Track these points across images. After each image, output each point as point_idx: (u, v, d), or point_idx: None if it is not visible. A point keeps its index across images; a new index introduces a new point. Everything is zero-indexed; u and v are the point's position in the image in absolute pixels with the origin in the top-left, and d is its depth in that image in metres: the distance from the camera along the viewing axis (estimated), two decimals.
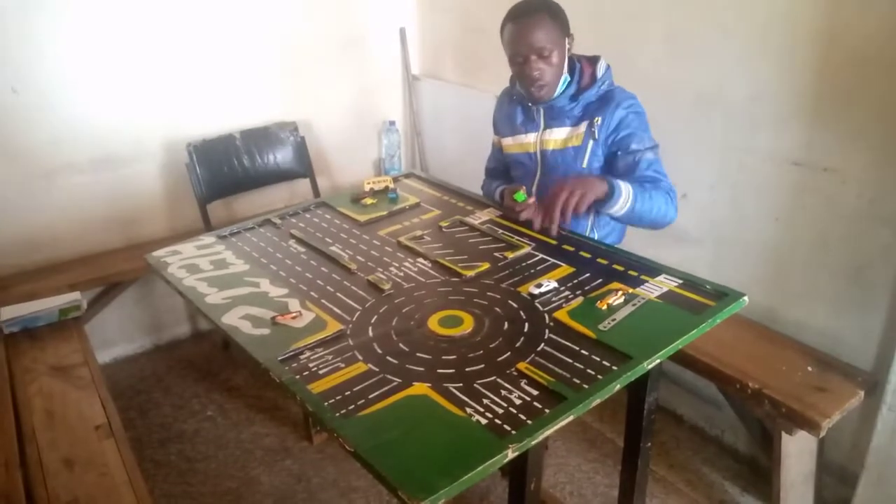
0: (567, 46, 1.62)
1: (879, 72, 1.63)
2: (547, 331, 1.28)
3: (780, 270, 1.97)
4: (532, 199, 1.70)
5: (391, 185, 2.03)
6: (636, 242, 1.83)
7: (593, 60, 1.68)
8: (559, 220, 1.47)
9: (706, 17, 1.96)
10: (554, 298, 1.39)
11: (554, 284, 1.41)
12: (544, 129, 1.72)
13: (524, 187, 1.72)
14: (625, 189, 1.50)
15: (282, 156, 2.80)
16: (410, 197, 1.97)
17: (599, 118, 1.63)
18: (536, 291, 1.39)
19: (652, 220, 1.58)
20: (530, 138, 1.74)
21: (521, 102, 1.75)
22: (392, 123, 3.20)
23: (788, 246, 1.93)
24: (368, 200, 1.95)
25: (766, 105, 1.88)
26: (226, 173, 2.67)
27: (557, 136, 1.70)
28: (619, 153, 1.63)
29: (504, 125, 1.83)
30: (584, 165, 1.67)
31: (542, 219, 1.55)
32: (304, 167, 2.86)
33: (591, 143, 1.65)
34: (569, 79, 1.65)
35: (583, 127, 1.66)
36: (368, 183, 2.02)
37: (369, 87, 3.12)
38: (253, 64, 2.73)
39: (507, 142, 1.81)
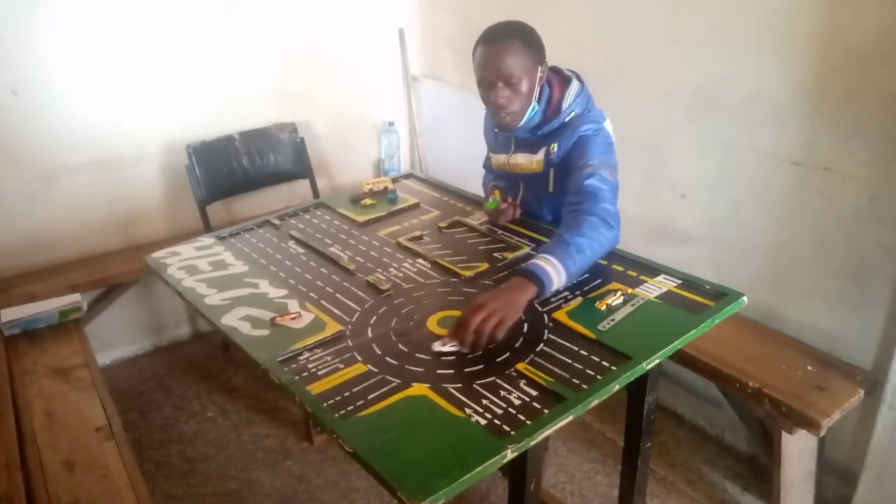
0: (539, 75, 1.52)
1: (880, 70, 1.63)
2: (546, 331, 1.28)
3: (780, 270, 1.97)
4: (504, 204, 1.72)
5: (390, 186, 2.03)
6: (635, 242, 1.83)
7: (565, 83, 1.58)
8: (475, 345, 1.21)
9: (706, 16, 1.96)
10: (553, 298, 1.39)
11: (454, 347, 1.23)
12: (513, 152, 1.67)
13: (496, 192, 1.75)
14: (552, 272, 1.31)
15: (281, 157, 2.80)
16: (409, 198, 1.97)
17: (556, 144, 1.56)
18: (438, 349, 1.22)
19: (595, 261, 1.43)
20: (502, 158, 1.72)
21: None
22: (391, 124, 3.20)
23: (788, 245, 1.93)
24: (368, 201, 1.95)
25: (766, 104, 1.88)
26: (225, 174, 2.67)
27: (521, 161, 1.65)
28: (573, 173, 1.51)
29: (487, 138, 1.82)
30: (551, 190, 1.62)
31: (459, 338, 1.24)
32: (303, 168, 2.86)
33: (551, 170, 1.59)
34: (536, 107, 1.55)
35: (541, 153, 1.59)
36: (368, 184, 2.02)
37: (368, 88, 3.12)
38: (252, 65, 2.73)
39: (491, 154, 1.81)
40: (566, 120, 1.55)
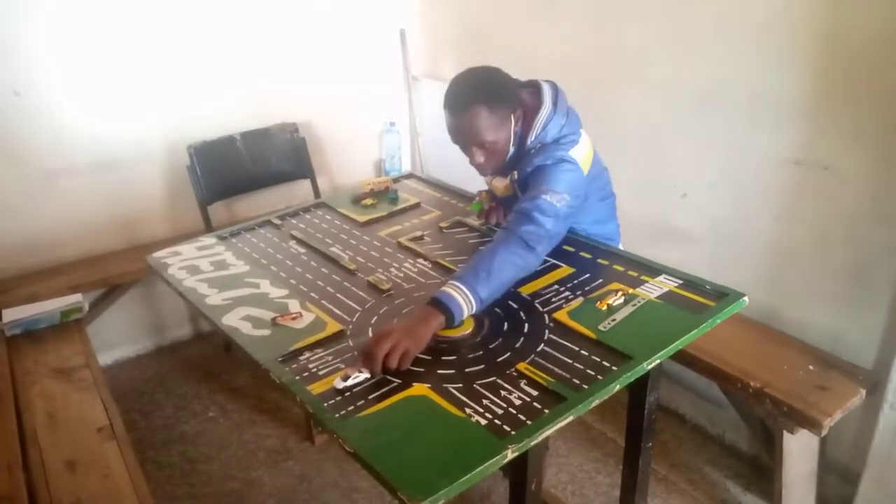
0: (512, 122, 1.47)
1: (880, 70, 1.63)
2: (547, 331, 1.28)
3: (781, 270, 1.97)
4: (490, 205, 1.72)
5: (391, 186, 2.03)
6: (636, 243, 1.83)
7: (535, 111, 1.49)
8: (381, 370, 1.17)
9: (706, 16, 1.96)
10: (554, 299, 1.39)
11: (365, 376, 1.17)
12: (495, 175, 1.65)
13: (481, 194, 1.76)
14: (461, 300, 1.25)
15: (282, 157, 2.81)
16: (410, 198, 1.97)
17: (516, 171, 1.54)
18: (340, 386, 1.15)
19: (513, 282, 1.37)
20: (487, 179, 1.72)
21: None
22: (392, 124, 3.20)
23: (789, 245, 1.93)
24: (368, 201, 1.95)
25: (766, 104, 1.88)
26: (226, 175, 2.67)
27: (497, 185, 1.65)
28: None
29: None
30: None
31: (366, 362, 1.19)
32: (304, 168, 2.86)
33: (520, 194, 1.56)
34: (512, 150, 1.52)
35: (508, 179, 1.58)
36: (368, 184, 2.02)
37: (370, 88, 3.12)
38: (253, 65, 2.73)
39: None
40: (530, 150, 1.52)
